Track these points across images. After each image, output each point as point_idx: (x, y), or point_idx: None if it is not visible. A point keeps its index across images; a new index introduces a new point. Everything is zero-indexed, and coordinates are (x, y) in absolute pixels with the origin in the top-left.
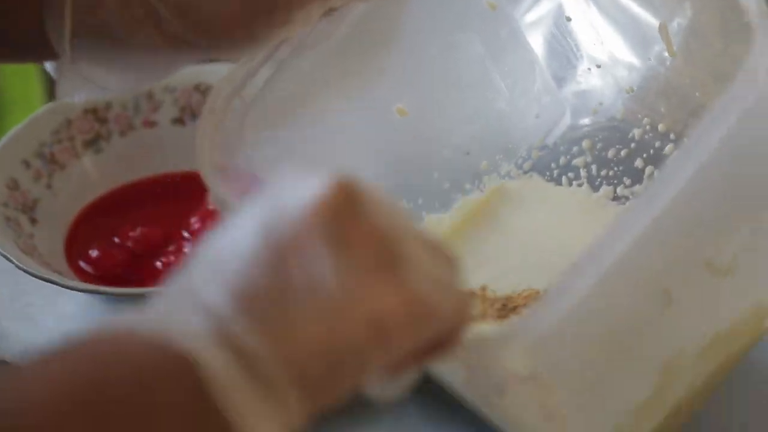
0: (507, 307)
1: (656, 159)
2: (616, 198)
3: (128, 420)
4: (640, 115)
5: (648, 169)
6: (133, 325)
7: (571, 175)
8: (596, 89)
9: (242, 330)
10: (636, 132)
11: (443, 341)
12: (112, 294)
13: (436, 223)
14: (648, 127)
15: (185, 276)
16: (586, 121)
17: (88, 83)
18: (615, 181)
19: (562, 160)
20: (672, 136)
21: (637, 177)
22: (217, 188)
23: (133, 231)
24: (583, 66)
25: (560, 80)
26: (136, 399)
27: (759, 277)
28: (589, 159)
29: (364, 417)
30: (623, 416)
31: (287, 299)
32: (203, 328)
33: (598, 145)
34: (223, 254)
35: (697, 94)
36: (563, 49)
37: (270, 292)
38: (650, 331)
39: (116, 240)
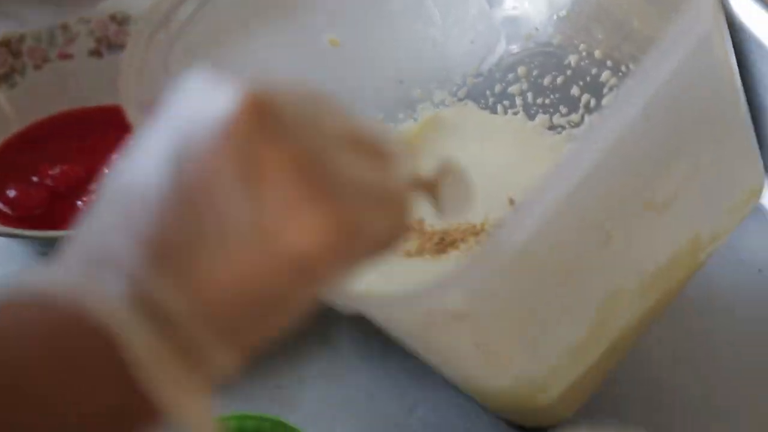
0: (445, 242)
1: (593, 87)
2: (552, 127)
3: (38, 399)
4: (575, 41)
5: (584, 98)
6: (39, 287)
7: (506, 103)
8: (530, 14)
9: (157, 288)
10: (572, 58)
11: (381, 249)
12: (32, 237)
13: None
14: (584, 53)
15: (92, 223)
16: (521, 47)
17: (3, 15)
18: (551, 110)
19: (498, 88)
20: (609, 63)
21: (574, 105)
22: (141, 125)
23: (53, 169)
24: None
25: (493, 5)
26: (45, 374)
27: (696, 210)
28: (524, 86)
29: (299, 355)
30: (558, 357)
31: (200, 245)
32: (115, 290)
33: (534, 72)
34: (128, 196)
35: (634, 21)
36: None
37: (182, 238)
38: (589, 271)
39: (35, 179)
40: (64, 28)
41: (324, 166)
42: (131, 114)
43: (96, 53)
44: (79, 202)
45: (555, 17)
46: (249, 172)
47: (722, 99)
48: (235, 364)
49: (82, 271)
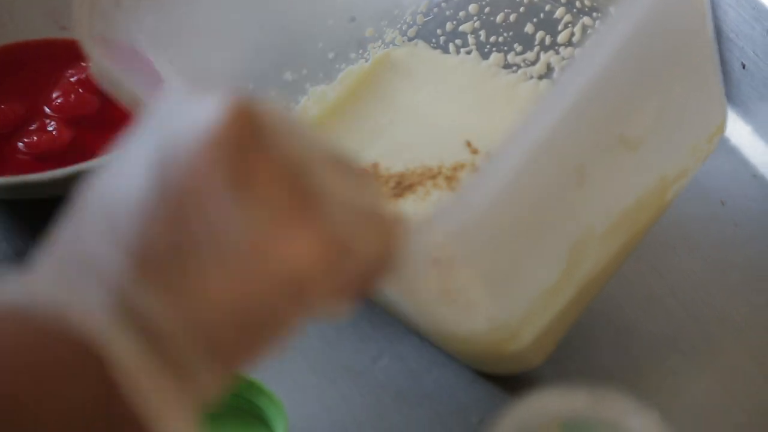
0: (401, 185)
1: (547, 24)
2: (506, 66)
3: (16, 414)
4: None
5: (539, 35)
6: (15, 298)
7: (458, 42)
8: None
9: (144, 301)
10: None
11: (373, 272)
12: None
13: (321, 95)
14: None
15: (73, 230)
16: None
17: None
18: (505, 48)
19: (449, 26)
20: None
21: (528, 43)
22: (99, 60)
23: None
24: None
25: None
26: (25, 389)
27: (664, 149)
28: (476, 25)
29: None
30: (531, 302)
31: (190, 258)
32: (101, 303)
33: (486, 10)
34: (113, 203)
35: None
36: None
37: (170, 250)
38: (563, 212)
39: None
40: None
41: (313, 178)
42: (88, 48)
43: None
44: (20, 144)
45: None
46: (239, 181)
47: (694, 33)
48: (221, 380)
49: (64, 282)
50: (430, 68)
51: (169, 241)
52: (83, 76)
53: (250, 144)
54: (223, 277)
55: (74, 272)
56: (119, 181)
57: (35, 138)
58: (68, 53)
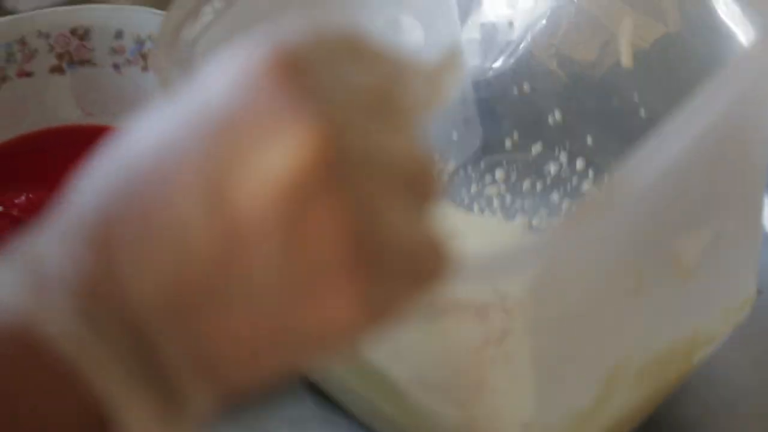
0: None
1: (574, 195)
2: (532, 228)
3: None
4: (557, 148)
5: (566, 204)
6: (25, 319)
7: (483, 202)
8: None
9: (157, 332)
10: (552, 167)
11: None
12: None
13: None
14: (564, 162)
15: (108, 249)
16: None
17: None
18: (531, 212)
19: (474, 188)
20: (590, 172)
21: (555, 210)
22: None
23: (18, 197)
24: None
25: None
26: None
27: (707, 291)
28: (502, 189)
29: None
30: (561, 420)
31: (219, 296)
32: (120, 350)
33: (513, 177)
34: (160, 226)
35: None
36: None
37: (202, 290)
38: (614, 318)
39: (0, 209)
40: (22, 43)
41: (373, 236)
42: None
43: (58, 70)
44: None
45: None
46: (293, 223)
47: (753, 168)
48: (217, 409)
49: (75, 305)
50: (453, 225)
51: (203, 277)
52: None
53: (319, 186)
54: (249, 320)
55: (96, 300)
56: (160, 177)
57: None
58: (95, 139)
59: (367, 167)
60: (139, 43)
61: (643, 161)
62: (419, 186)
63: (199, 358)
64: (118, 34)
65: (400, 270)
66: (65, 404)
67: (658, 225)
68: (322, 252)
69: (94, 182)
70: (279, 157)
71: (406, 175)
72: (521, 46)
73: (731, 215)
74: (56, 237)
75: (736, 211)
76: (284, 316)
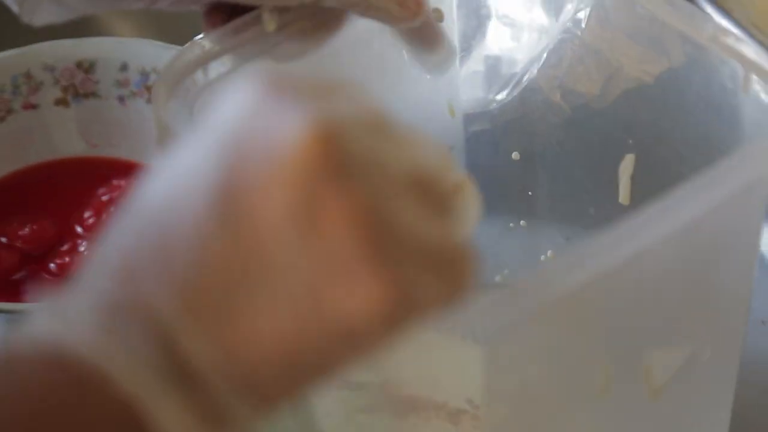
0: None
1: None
2: None
3: None
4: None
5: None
6: (47, 339)
7: None
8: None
9: (190, 347)
10: None
11: (434, 314)
12: (10, 311)
13: None
14: None
15: (114, 254)
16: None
17: (54, 2)
18: None
19: None
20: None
21: None
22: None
23: (23, 229)
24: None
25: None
26: None
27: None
28: None
29: None
30: None
31: (243, 298)
32: (143, 350)
33: None
34: (165, 227)
35: None
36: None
37: (223, 287)
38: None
39: (3, 240)
40: (27, 76)
41: (387, 220)
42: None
43: (62, 102)
44: (52, 265)
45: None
46: (306, 215)
47: (734, 295)
48: (258, 420)
49: (102, 322)
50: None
51: (223, 279)
52: (115, 194)
53: (325, 174)
54: (275, 317)
55: (114, 309)
56: (176, 201)
57: (67, 259)
58: (100, 172)
59: (376, 168)
60: (144, 75)
61: (606, 249)
62: (432, 190)
63: (231, 364)
64: (123, 67)
65: (423, 265)
66: (105, 420)
67: (632, 329)
68: (337, 238)
69: (113, 239)
70: (275, 138)
71: (416, 175)
72: (525, 78)
73: (708, 341)
74: (80, 290)
75: (714, 338)
76: (308, 312)
